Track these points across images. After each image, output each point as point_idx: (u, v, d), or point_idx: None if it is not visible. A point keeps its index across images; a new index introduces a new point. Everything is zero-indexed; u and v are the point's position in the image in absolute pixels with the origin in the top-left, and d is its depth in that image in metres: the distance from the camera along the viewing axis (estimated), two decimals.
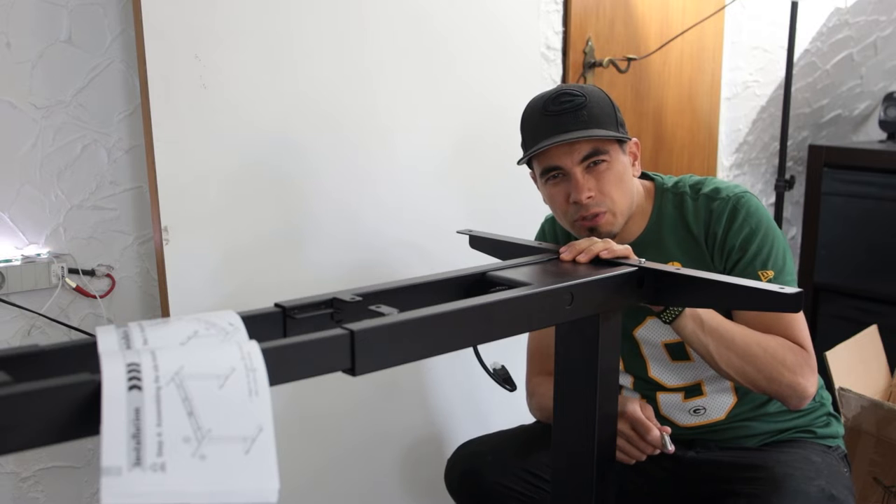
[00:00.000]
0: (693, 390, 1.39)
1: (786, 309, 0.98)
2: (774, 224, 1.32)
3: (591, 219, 1.30)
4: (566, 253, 1.14)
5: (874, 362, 2.24)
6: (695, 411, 1.40)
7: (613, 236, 1.33)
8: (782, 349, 1.23)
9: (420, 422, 1.95)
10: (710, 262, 1.32)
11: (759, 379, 1.22)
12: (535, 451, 1.43)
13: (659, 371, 1.40)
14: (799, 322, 1.27)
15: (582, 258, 1.11)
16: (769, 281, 1.27)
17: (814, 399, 1.41)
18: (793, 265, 1.32)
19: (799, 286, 1.14)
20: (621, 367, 1.43)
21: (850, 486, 1.31)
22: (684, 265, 1.31)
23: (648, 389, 1.42)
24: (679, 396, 1.40)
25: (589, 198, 1.27)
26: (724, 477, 1.32)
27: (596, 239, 1.15)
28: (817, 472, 1.26)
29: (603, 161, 1.28)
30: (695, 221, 1.34)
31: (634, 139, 1.35)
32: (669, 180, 1.40)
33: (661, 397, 1.41)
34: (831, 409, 1.45)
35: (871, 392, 2.11)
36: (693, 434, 1.41)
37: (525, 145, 1.35)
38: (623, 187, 1.30)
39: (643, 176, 1.42)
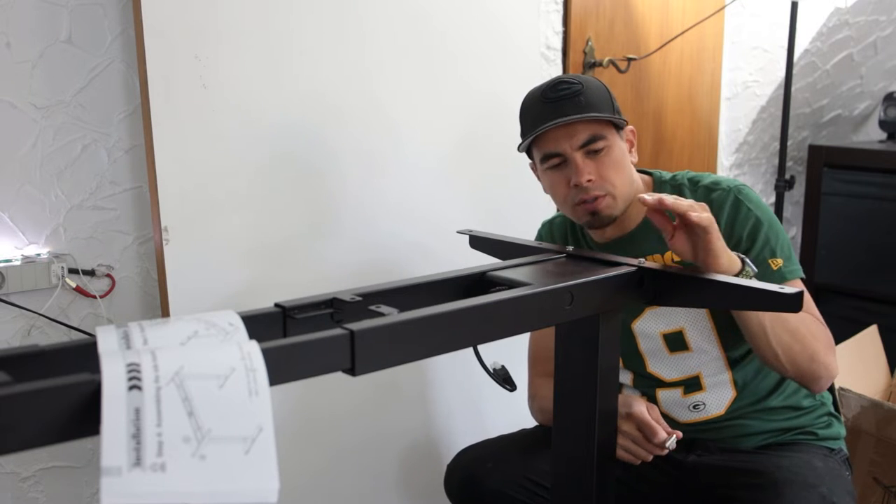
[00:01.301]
0: (692, 385, 1.39)
1: (787, 309, 0.97)
2: (774, 215, 1.34)
3: (592, 202, 1.31)
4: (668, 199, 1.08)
5: (874, 362, 2.24)
6: (694, 407, 1.40)
7: (613, 220, 1.35)
8: (818, 329, 1.27)
9: (420, 423, 1.95)
10: None
11: (803, 358, 1.24)
12: (536, 457, 1.42)
13: (657, 365, 1.40)
14: (812, 305, 1.32)
15: (679, 205, 1.07)
16: (779, 268, 1.29)
17: (814, 398, 1.41)
18: (795, 254, 1.35)
19: None
20: (620, 364, 1.43)
21: (851, 490, 1.30)
22: None
23: (648, 386, 1.42)
24: (678, 392, 1.40)
25: (589, 181, 1.29)
26: (725, 483, 1.32)
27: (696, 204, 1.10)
28: (819, 478, 1.25)
29: (602, 146, 1.30)
30: None
31: (630, 126, 1.38)
32: (667, 174, 1.42)
33: (661, 394, 1.41)
34: (832, 409, 1.44)
35: (871, 392, 2.11)
36: (693, 431, 1.40)
37: (524, 133, 1.37)
38: (622, 171, 1.32)
39: (641, 172, 1.43)
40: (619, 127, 1.33)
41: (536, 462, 1.41)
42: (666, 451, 1.25)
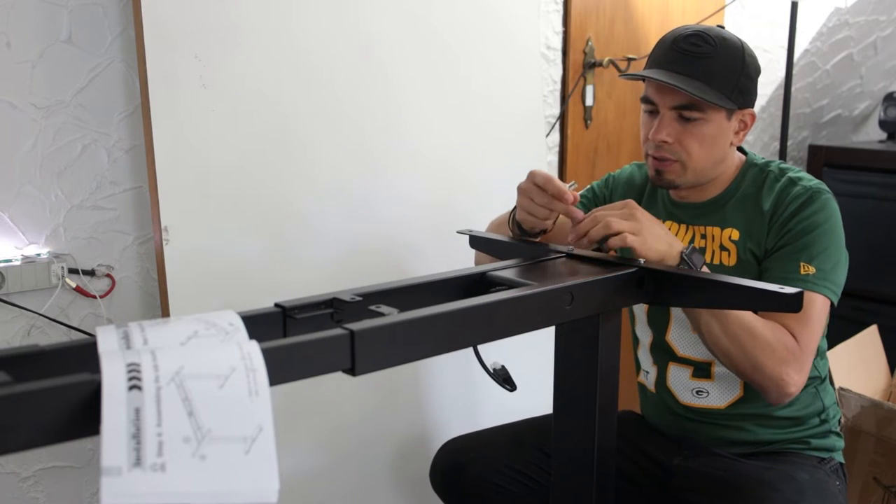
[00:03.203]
0: (702, 370, 1.37)
1: (786, 309, 0.97)
2: (843, 239, 1.29)
3: (661, 161, 1.30)
4: (585, 222, 1.14)
5: (874, 362, 2.24)
6: (697, 392, 1.38)
7: (676, 187, 1.34)
8: (776, 341, 1.18)
9: (416, 420, 1.95)
10: (765, 237, 1.30)
11: (745, 366, 1.18)
12: (518, 446, 1.44)
13: (677, 335, 1.38)
14: (808, 322, 1.22)
15: (584, 240, 1.11)
16: (806, 275, 1.23)
17: (819, 416, 1.38)
18: (841, 280, 1.27)
19: None
20: (645, 319, 1.43)
21: (839, 501, 1.27)
22: (742, 234, 1.32)
23: (661, 355, 1.41)
24: (687, 372, 1.38)
25: (664, 142, 1.28)
26: (705, 491, 1.30)
27: (615, 223, 1.12)
28: (800, 493, 1.21)
29: (696, 116, 1.26)
30: (768, 195, 1.32)
31: (751, 111, 1.32)
32: (760, 159, 1.39)
33: (672, 368, 1.40)
34: (834, 427, 1.40)
35: (871, 392, 2.11)
36: (689, 416, 1.40)
37: (645, 65, 1.35)
38: (708, 149, 1.29)
39: (740, 150, 1.41)
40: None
41: (519, 452, 1.43)
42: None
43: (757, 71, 1.31)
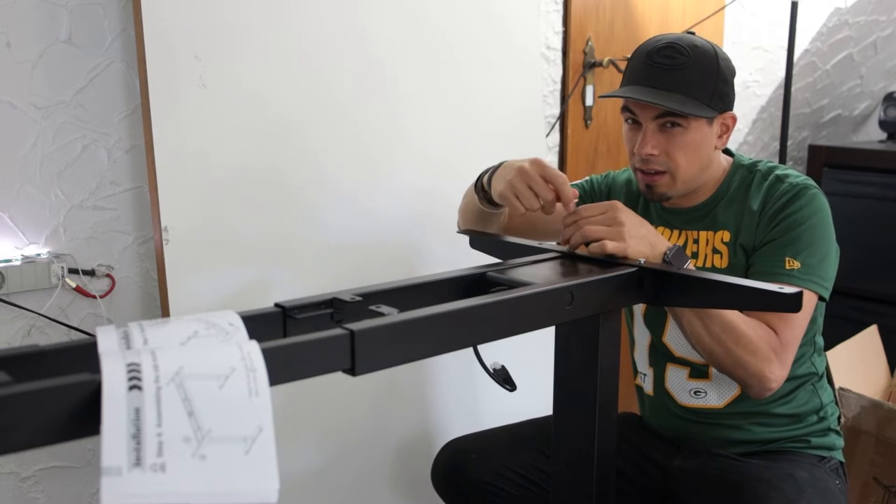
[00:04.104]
0: (699, 370, 1.37)
1: (786, 309, 0.97)
2: (832, 233, 1.28)
3: (651, 175, 1.30)
4: (567, 228, 1.14)
5: (874, 362, 2.25)
6: (695, 392, 1.39)
7: (668, 198, 1.34)
8: (758, 339, 1.18)
9: (416, 419, 1.95)
10: (754, 234, 1.30)
11: (727, 363, 1.18)
12: (520, 449, 1.44)
13: (673, 336, 1.38)
14: (790, 317, 1.21)
15: (576, 239, 1.12)
16: (791, 270, 1.23)
17: (817, 413, 1.38)
18: (829, 275, 1.26)
19: None
20: (642, 319, 1.43)
21: (839, 500, 1.28)
22: (733, 234, 1.32)
23: (659, 356, 1.41)
24: (684, 373, 1.39)
25: (651, 155, 1.27)
26: (705, 491, 1.30)
27: (590, 231, 1.12)
28: (800, 492, 1.21)
29: (678, 125, 1.26)
30: (756, 195, 1.32)
31: (731, 113, 1.32)
32: (746, 160, 1.39)
33: (669, 369, 1.40)
34: (833, 425, 1.41)
35: (871, 392, 2.11)
36: (688, 417, 1.40)
37: (622, 81, 1.35)
38: (694, 156, 1.29)
39: (727, 152, 1.41)
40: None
41: (520, 454, 1.43)
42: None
43: (732, 73, 1.32)
